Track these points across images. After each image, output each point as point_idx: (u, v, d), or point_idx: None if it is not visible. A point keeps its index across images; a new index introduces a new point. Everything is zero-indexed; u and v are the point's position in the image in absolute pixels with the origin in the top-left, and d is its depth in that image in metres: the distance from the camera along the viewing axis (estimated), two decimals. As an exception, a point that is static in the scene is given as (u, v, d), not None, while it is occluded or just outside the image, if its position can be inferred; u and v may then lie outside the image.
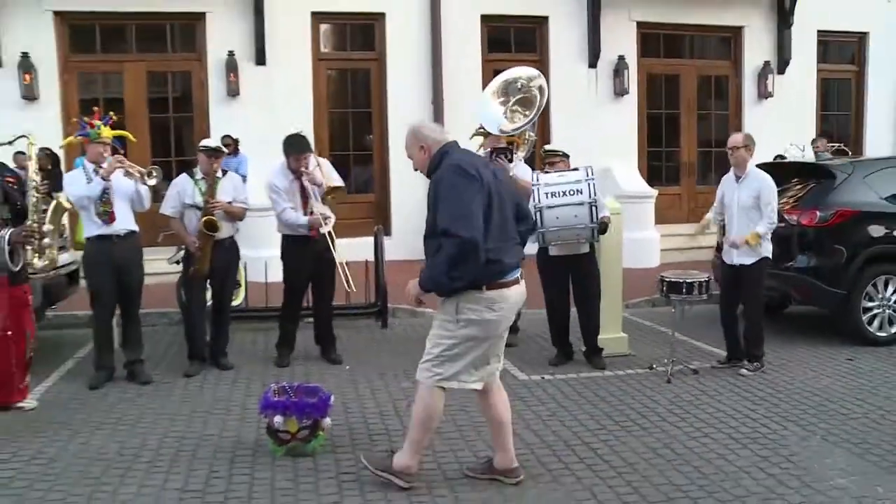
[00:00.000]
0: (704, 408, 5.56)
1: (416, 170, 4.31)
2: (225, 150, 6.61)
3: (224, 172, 6.65)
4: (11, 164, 9.84)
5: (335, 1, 12.17)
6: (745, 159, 6.42)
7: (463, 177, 3.95)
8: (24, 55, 11.20)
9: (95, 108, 6.42)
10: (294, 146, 6.65)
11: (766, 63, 13.64)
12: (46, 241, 5.41)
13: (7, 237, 5.08)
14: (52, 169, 10.05)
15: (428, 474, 4.42)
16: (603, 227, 6.41)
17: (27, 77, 11.24)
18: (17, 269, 5.25)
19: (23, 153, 10.49)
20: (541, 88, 6.90)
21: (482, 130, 7.55)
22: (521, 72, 7.47)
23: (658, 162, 13.63)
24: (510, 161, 7.13)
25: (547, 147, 7.00)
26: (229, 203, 6.55)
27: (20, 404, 5.62)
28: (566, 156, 6.85)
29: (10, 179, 5.46)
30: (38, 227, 5.32)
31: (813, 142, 11.93)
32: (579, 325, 6.76)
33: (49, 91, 11.44)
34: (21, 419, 5.41)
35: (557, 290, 6.70)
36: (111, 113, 6.43)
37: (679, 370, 6.35)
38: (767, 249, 6.40)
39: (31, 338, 5.64)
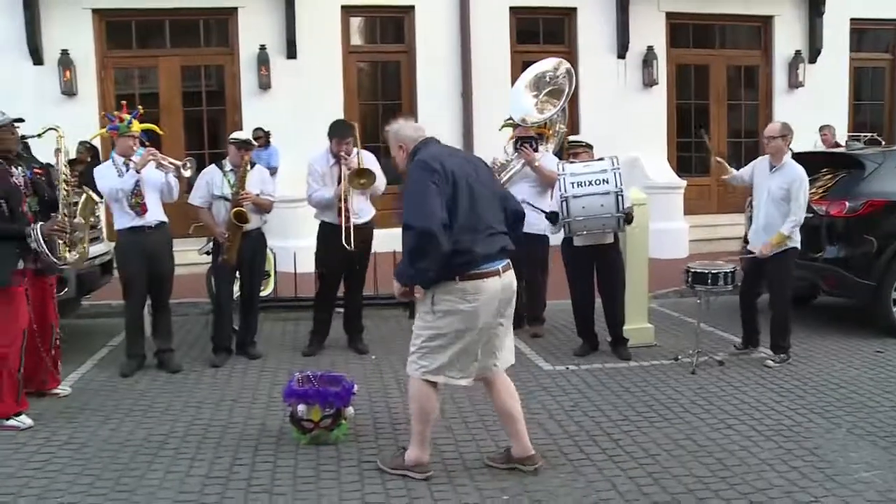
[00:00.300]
0: (728, 399, 5.54)
1: (397, 170, 4.43)
2: (255, 142, 6.69)
3: (252, 165, 6.72)
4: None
5: (365, -6, 12.26)
6: (782, 149, 6.35)
7: (423, 170, 4.05)
8: (64, 52, 11.45)
9: (123, 102, 6.55)
10: (337, 130, 6.73)
11: (797, 52, 13.47)
12: (77, 234, 5.49)
13: (39, 229, 5.18)
14: (91, 161, 10.28)
15: (449, 464, 4.47)
16: (629, 217, 6.40)
17: (67, 73, 11.48)
18: (59, 261, 5.35)
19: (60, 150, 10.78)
20: (568, 72, 6.92)
21: (511, 121, 7.59)
22: (546, 65, 7.51)
23: (687, 153, 13.54)
24: (535, 150, 7.17)
25: (571, 138, 6.99)
26: (257, 195, 6.63)
27: (55, 391, 5.77)
28: (590, 147, 6.83)
29: (38, 171, 5.54)
30: (69, 221, 5.41)
31: (820, 130, 11.76)
32: (604, 315, 6.76)
33: (87, 87, 11.68)
34: (55, 405, 5.56)
35: (582, 280, 6.70)
36: (139, 107, 6.54)
37: (704, 361, 6.32)
38: (796, 240, 6.34)
39: (56, 327, 5.75)
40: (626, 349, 6.68)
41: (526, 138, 7.20)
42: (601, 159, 6.45)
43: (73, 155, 9.82)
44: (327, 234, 6.83)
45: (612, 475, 4.30)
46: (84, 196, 5.58)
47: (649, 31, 12.75)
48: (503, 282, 4.18)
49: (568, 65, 7.16)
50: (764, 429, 4.96)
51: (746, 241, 6.73)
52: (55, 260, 5.29)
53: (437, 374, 4.18)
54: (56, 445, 4.80)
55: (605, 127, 11.75)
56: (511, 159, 7.28)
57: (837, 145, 11.00)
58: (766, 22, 13.54)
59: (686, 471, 4.34)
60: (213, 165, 6.75)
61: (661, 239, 10.74)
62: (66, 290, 6.43)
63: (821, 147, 11.44)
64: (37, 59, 11.48)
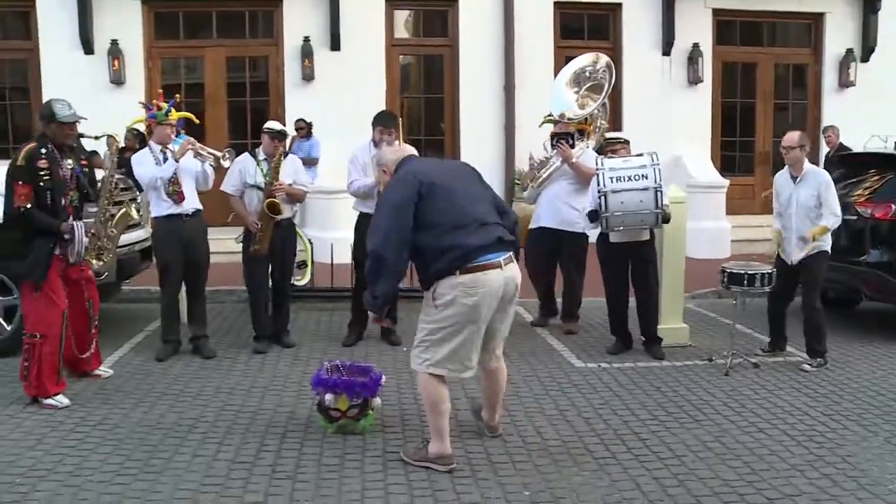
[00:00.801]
0: (761, 402, 5.45)
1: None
2: (288, 132, 6.73)
3: (285, 154, 6.76)
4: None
5: (409, -12, 12.29)
6: (801, 159, 6.30)
7: (390, 191, 4.24)
8: (114, 42, 11.70)
9: (160, 91, 6.64)
10: (381, 119, 6.76)
11: (849, 51, 13.15)
12: (107, 244, 5.58)
13: (82, 228, 5.33)
14: (139, 148, 10.45)
15: (473, 457, 4.47)
16: (665, 216, 6.34)
17: (115, 63, 11.73)
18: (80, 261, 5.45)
19: (113, 136, 10.99)
20: (608, 66, 6.86)
21: (551, 118, 7.55)
22: (585, 60, 7.47)
23: (732, 152, 13.34)
24: (572, 147, 7.12)
25: (608, 134, 6.93)
26: (290, 185, 6.67)
27: (97, 371, 5.90)
28: (627, 142, 6.77)
29: (84, 161, 5.64)
30: (104, 230, 5.52)
31: (824, 131, 11.47)
32: (637, 313, 6.71)
33: (135, 76, 11.91)
34: (92, 387, 5.68)
35: (617, 277, 6.64)
36: (177, 95, 6.64)
37: (738, 363, 6.23)
38: (827, 243, 6.25)
39: (95, 308, 5.85)
40: (659, 348, 6.61)
41: (562, 134, 7.15)
42: (640, 155, 6.39)
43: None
44: (365, 224, 6.83)
45: (637, 475, 4.26)
46: (122, 210, 5.64)
47: (695, 28, 12.58)
48: (505, 275, 4.21)
49: (607, 59, 7.10)
50: (796, 434, 4.87)
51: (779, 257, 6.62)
52: (78, 260, 5.40)
53: (438, 366, 4.23)
54: (90, 425, 4.91)
55: (648, 124, 11.66)
56: (550, 156, 7.24)
57: (842, 147, 10.72)
58: (817, 19, 13.26)
59: (713, 473, 4.28)
60: (245, 154, 6.78)
61: (703, 238, 10.64)
62: (107, 274, 6.54)
63: (825, 149, 11.22)
64: (88, 48, 11.75)
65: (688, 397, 5.56)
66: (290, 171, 6.75)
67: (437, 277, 4.14)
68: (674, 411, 5.27)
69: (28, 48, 12.02)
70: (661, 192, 6.13)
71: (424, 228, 4.12)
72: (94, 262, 5.49)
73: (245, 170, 6.66)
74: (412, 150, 4.73)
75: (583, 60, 7.47)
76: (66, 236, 5.29)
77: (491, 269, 4.14)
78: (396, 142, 6.72)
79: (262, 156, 6.68)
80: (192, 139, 6.47)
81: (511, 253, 4.31)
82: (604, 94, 7.26)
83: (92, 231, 5.41)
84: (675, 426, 4.99)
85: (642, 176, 6.15)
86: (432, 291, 4.18)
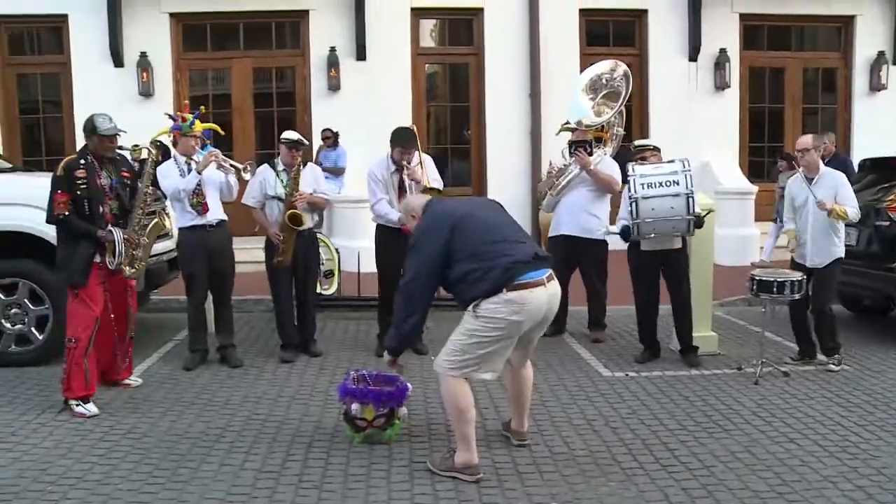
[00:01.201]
0: (792, 412, 5.37)
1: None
2: (305, 142, 6.74)
3: (304, 163, 6.77)
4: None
5: (434, -3, 12.32)
6: (816, 161, 6.28)
7: (421, 232, 4.34)
8: (143, 55, 11.87)
9: (185, 102, 6.70)
10: (401, 139, 6.71)
11: (881, 54, 12.93)
12: (139, 253, 5.65)
13: (120, 234, 5.43)
14: (162, 160, 10.57)
15: (500, 467, 4.45)
16: (699, 221, 6.30)
17: (144, 75, 11.89)
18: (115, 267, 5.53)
19: (137, 146, 11.15)
20: (625, 75, 6.83)
21: (569, 126, 7.53)
22: (602, 67, 7.44)
23: (760, 157, 13.20)
24: (590, 154, 7.10)
25: (638, 141, 6.89)
26: (311, 194, 6.68)
27: (127, 381, 5.97)
28: (657, 149, 6.73)
29: (126, 175, 5.73)
30: (137, 239, 5.60)
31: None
32: (674, 322, 6.65)
33: (163, 88, 12.06)
34: (121, 395, 5.74)
35: (648, 286, 6.59)
36: (202, 107, 6.70)
37: (768, 372, 6.16)
38: (840, 251, 6.24)
39: (132, 315, 5.93)
40: (695, 356, 6.56)
41: (580, 142, 7.13)
42: (671, 161, 6.34)
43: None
44: (384, 237, 6.87)
45: (665, 485, 4.21)
46: (155, 220, 5.72)
47: (722, 33, 12.47)
48: (549, 292, 4.29)
49: (625, 67, 7.06)
50: (828, 444, 4.79)
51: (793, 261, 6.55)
52: (112, 267, 5.47)
53: (461, 369, 4.26)
54: (119, 434, 4.96)
55: (674, 131, 11.58)
56: (569, 164, 7.22)
57: (837, 155, 10.54)
58: (847, 22, 13.08)
59: (742, 484, 4.22)
60: (265, 165, 6.81)
61: (731, 245, 10.56)
62: (136, 283, 6.61)
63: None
64: (117, 61, 11.92)
65: (717, 406, 5.49)
66: (310, 179, 6.76)
67: (484, 297, 4.16)
68: (702, 421, 5.21)
69: (61, 62, 12.23)
70: (693, 198, 6.08)
71: (463, 259, 4.19)
72: (126, 269, 5.56)
73: (265, 181, 6.68)
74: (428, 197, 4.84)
75: (600, 67, 7.45)
76: (106, 243, 5.41)
77: (536, 286, 4.19)
78: (416, 155, 6.73)
79: (280, 167, 6.68)
80: (215, 151, 6.51)
81: (551, 270, 4.36)
82: (620, 101, 7.22)
83: (126, 237, 5.48)
84: (704, 436, 4.94)
85: (673, 182, 6.12)
86: (474, 306, 4.20)
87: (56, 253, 5.56)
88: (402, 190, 6.72)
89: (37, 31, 12.59)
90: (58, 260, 5.53)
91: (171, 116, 6.72)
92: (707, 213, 6.43)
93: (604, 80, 7.19)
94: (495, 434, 4.94)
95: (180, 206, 6.36)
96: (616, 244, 6.91)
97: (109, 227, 5.46)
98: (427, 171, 6.80)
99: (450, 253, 4.20)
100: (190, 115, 6.45)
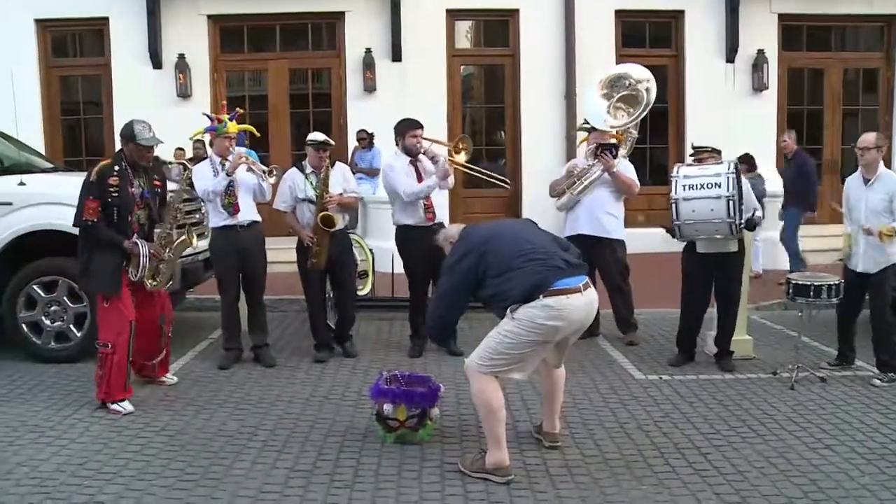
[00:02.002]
0: (828, 418, 5.29)
1: None
2: (332, 142, 6.76)
3: (332, 163, 6.76)
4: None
5: (470, -2, 12.33)
6: (877, 160, 6.13)
7: (454, 254, 4.43)
8: (181, 56, 12.03)
9: (223, 103, 6.77)
10: (405, 122, 6.86)
11: (925, 53, 12.74)
12: (163, 267, 5.69)
13: (147, 250, 5.49)
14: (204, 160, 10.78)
15: (531, 469, 4.44)
16: (750, 223, 6.26)
17: (182, 77, 12.06)
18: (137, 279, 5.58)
19: (182, 149, 11.33)
20: (648, 90, 6.77)
21: (586, 126, 7.49)
22: (633, 70, 7.37)
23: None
24: (615, 157, 7.07)
25: (695, 144, 6.80)
26: (341, 195, 6.70)
27: (163, 378, 6.05)
28: (716, 152, 6.55)
29: (158, 183, 5.78)
30: (163, 253, 5.64)
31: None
32: (717, 325, 6.58)
33: (200, 89, 12.21)
34: (157, 393, 5.83)
35: (698, 289, 6.50)
36: (238, 108, 6.76)
37: (804, 377, 6.07)
38: (895, 256, 6.07)
39: (168, 317, 6.00)
40: (730, 361, 6.48)
41: (605, 145, 7.11)
42: (720, 163, 6.26)
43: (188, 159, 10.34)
44: (408, 237, 6.89)
45: (698, 490, 4.18)
46: (182, 238, 5.74)
47: (760, 34, 12.31)
48: (585, 299, 4.29)
49: (653, 84, 7.01)
50: (866, 451, 4.71)
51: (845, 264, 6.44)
52: (134, 278, 5.53)
53: (493, 367, 4.28)
54: (154, 431, 5.03)
55: (711, 133, 11.38)
56: (591, 165, 7.18)
57: (799, 153, 10.33)
58: (890, 22, 12.83)
59: (776, 490, 4.17)
60: (293, 169, 6.80)
61: (768, 249, 10.42)
62: (172, 283, 6.69)
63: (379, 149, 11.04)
64: (156, 63, 12.10)
65: (751, 411, 5.43)
66: (340, 179, 6.74)
67: (523, 302, 4.19)
68: (736, 425, 5.15)
69: (102, 63, 12.47)
70: (734, 200, 5.97)
71: (496, 275, 4.22)
72: (148, 282, 5.59)
73: (294, 185, 6.67)
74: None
75: (627, 68, 7.38)
76: (131, 255, 5.47)
77: (573, 293, 4.20)
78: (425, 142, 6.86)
79: (308, 169, 6.68)
80: (242, 152, 6.55)
81: (587, 278, 4.37)
82: (641, 110, 7.15)
83: (152, 251, 5.53)
84: (738, 441, 4.88)
85: (715, 184, 6.03)
86: (511, 310, 4.22)
87: (77, 256, 5.54)
88: (419, 179, 6.77)
89: (79, 33, 12.82)
90: (80, 264, 5.52)
91: (208, 116, 6.80)
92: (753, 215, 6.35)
93: (626, 82, 7.13)
94: (527, 436, 4.93)
95: (213, 206, 6.44)
96: (649, 247, 6.86)
97: (136, 237, 5.49)
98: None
99: (485, 272, 4.25)
100: (226, 116, 6.51)
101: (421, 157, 6.84)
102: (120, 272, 5.45)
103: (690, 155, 6.77)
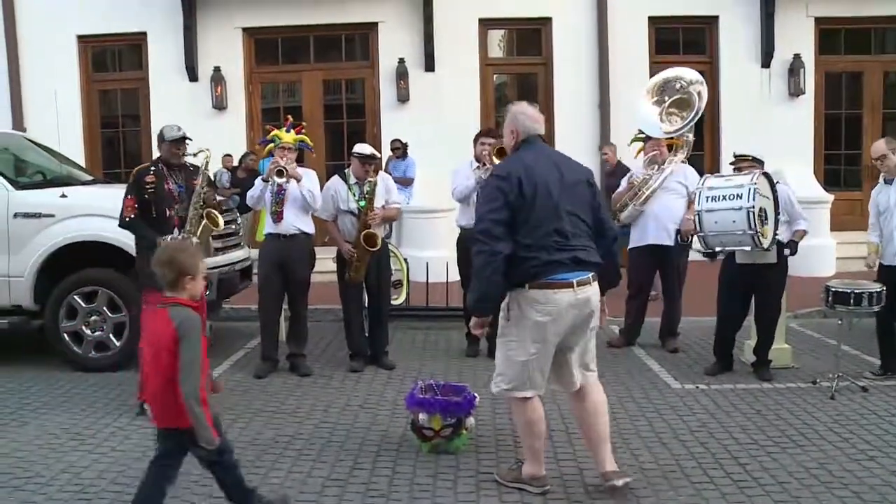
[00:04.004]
0: (871, 429, 5.19)
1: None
2: (378, 155, 6.80)
3: (376, 172, 6.78)
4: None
5: (503, 7, 12.33)
6: (894, 164, 6.12)
7: (494, 179, 4.13)
8: (216, 69, 12.20)
9: (289, 117, 6.89)
10: (480, 131, 7.04)
11: (967, 56, 12.49)
12: None
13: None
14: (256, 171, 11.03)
15: (567, 479, 4.42)
16: (793, 247, 6.24)
17: (218, 89, 12.23)
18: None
19: (230, 155, 11.49)
20: (700, 94, 6.71)
21: (641, 136, 7.45)
22: (682, 72, 7.31)
23: (836, 165, 12.84)
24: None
25: (736, 152, 6.75)
26: (383, 207, 6.73)
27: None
28: (758, 161, 6.48)
29: (195, 183, 5.87)
30: (189, 240, 5.68)
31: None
32: (756, 335, 6.51)
33: (236, 101, 12.39)
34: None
35: (735, 298, 6.44)
36: (299, 122, 6.81)
37: (845, 386, 5.97)
38: None
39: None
40: (767, 370, 6.40)
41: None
42: (746, 173, 6.21)
43: (214, 173, 10.54)
44: (461, 238, 6.99)
45: (736, 501, 4.12)
46: (205, 223, 5.78)
47: (796, 38, 12.15)
48: (577, 297, 4.02)
49: (704, 87, 6.96)
50: (910, 463, 4.62)
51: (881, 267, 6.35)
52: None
53: (514, 390, 4.15)
54: (192, 440, 5.07)
55: (747, 139, 11.24)
56: (650, 175, 7.15)
57: (619, 164, 10.07)
58: (932, 23, 12.61)
59: (817, 502, 4.10)
60: (336, 177, 6.81)
61: (805, 256, 10.17)
62: (208, 293, 6.76)
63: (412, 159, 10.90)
64: (192, 76, 12.29)
65: (790, 421, 5.35)
66: (382, 191, 6.76)
67: (510, 287, 4.04)
68: (775, 435, 5.08)
69: (140, 77, 12.70)
70: (754, 213, 5.89)
71: (518, 227, 4.02)
72: None
73: (337, 195, 6.71)
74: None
75: (677, 71, 7.33)
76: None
77: (562, 288, 3.98)
78: None
79: (352, 179, 6.71)
80: (276, 160, 6.60)
81: (590, 274, 4.08)
82: (694, 114, 7.10)
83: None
84: (777, 451, 4.81)
85: (737, 196, 5.97)
86: (505, 304, 4.12)
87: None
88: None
89: (118, 49, 13.07)
90: (136, 266, 5.79)
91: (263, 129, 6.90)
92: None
93: (678, 85, 7.07)
94: (562, 445, 4.91)
95: (267, 213, 6.59)
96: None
97: (176, 231, 5.65)
98: None
99: (516, 204, 4.00)
100: (282, 129, 6.59)
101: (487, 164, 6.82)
102: None
103: (731, 163, 6.73)
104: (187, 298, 3.56)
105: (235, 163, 11.87)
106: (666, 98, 6.84)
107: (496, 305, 4.14)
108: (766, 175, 6.09)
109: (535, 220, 3.99)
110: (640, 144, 7.49)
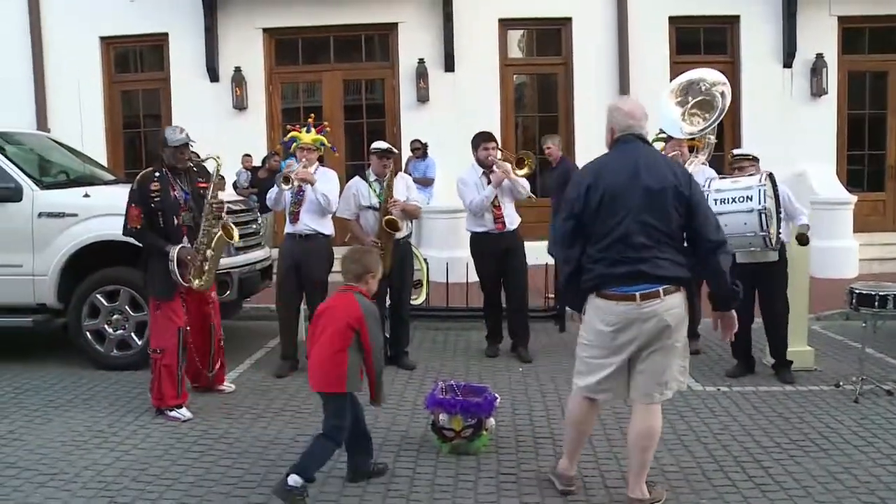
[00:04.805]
0: (896, 432, 5.15)
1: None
2: (395, 150, 6.85)
3: (395, 172, 6.84)
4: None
5: (522, 7, 12.32)
6: None
7: (572, 185, 4.08)
8: (237, 70, 12.27)
9: (311, 116, 6.92)
10: (478, 136, 7.06)
11: None
12: (206, 265, 5.70)
13: (177, 252, 5.53)
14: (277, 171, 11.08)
15: (588, 481, 4.40)
16: (802, 239, 6.18)
17: (238, 90, 12.29)
18: (186, 283, 5.61)
19: (249, 155, 11.55)
20: (723, 94, 6.65)
21: (662, 135, 7.41)
22: (706, 74, 7.25)
23: (860, 166, 12.71)
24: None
25: (735, 151, 6.73)
26: (404, 201, 6.75)
27: (221, 387, 6.15)
28: (756, 160, 6.54)
29: (203, 185, 5.86)
30: (203, 252, 5.68)
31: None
32: (767, 337, 6.48)
33: (256, 101, 12.45)
34: (215, 401, 5.91)
35: (743, 299, 6.40)
36: (321, 122, 6.83)
37: (869, 389, 5.91)
38: None
39: (217, 328, 6.08)
40: (789, 373, 6.36)
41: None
42: (752, 175, 6.18)
43: (230, 181, 10.67)
44: (477, 243, 7.11)
45: (759, 505, 4.10)
46: (219, 234, 5.75)
47: (819, 38, 12.06)
48: (642, 310, 3.84)
49: (728, 88, 6.89)
50: (938, 468, 4.56)
51: None
52: (181, 281, 5.58)
53: (575, 382, 4.15)
54: (212, 438, 5.11)
55: (769, 140, 11.26)
56: None
57: (563, 158, 9.93)
58: (958, 20, 12.45)
59: (842, 507, 4.08)
60: (356, 178, 6.91)
61: (828, 257, 10.20)
62: (229, 292, 6.81)
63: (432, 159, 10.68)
64: (213, 76, 12.36)
65: (813, 424, 5.30)
66: (402, 188, 6.83)
67: (585, 291, 4.04)
68: (798, 439, 5.03)
69: (161, 78, 12.78)
70: (766, 214, 5.85)
71: (590, 232, 3.97)
72: (194, 280, 5.65)
73: (359, 193, 6.78)
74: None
75: (701, 73, 7.27)
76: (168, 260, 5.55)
77: (623, 300, 3.85)
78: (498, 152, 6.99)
79: (372, 177, 6.79)
80: (291, 163, 6.62)
81: (660, 287, 3.85)
82: (717, 115, 7.04)
83: (189, 255, 5.57)
84: (800, 454, 4.77)
85: (747, 198, 5.93)
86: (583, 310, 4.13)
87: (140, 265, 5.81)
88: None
89: (140, 49, 13.17)
90: (142, 272, 5.77)
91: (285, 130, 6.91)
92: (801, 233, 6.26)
93: (701, 87, 7.02)
94: (586, 449, 4.88)
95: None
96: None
97: (185, 240, 5.62)
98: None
99: (583, 213, 3.95)
100: (302, 130, 6.62)
101: (495, 168, 6.91)
102: (170, 278, 5.55)
103: (730, 163, 6.70)
104: (366, 290, 4.27)
105: (256, 163, 11.93)
106: (690, 99, 6.77)
107: (576, 307, 4.17)
108: (770, 175, 6.06)
109: (601, 229, 3.90)
110: (662, 144, 7.44)
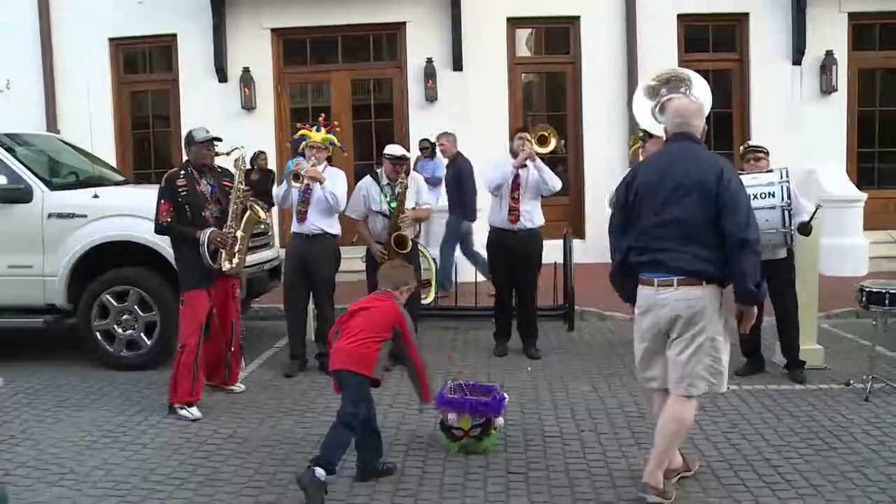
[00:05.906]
0: (907, 431, 5.12)
1: None
2: (409, 156, 6.85)
3: (407, 173, 6.82)
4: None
5: (531, 6, 12.27)
6: None
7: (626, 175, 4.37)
8: (245, 70, 12.27)
9: (322, 115, 6.94)
10: (518, 129, 7.21)
11: None
12: (238, 246, 5.80)
13: (207, 235, 5.61)
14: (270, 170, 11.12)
15: (596, 480, 4.41)
16: (805, 229, 6.12)
17: (247, 90, 12.29)
18: (217, 266, 5.70)
19: (263, 152, 11.58)
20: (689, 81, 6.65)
21: (642, 134, 7.35)
22: (681, 72, 7.20)
23: (871, 163, 12.61)
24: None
25: (749, 143, 6.68)
26: (414, 209, 6.76)
27: (231, 387, 6.17)
28: (768, 153, 6.52)
29: (228, 185, 5.94)
30: (233, 233, 5.76)
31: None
32: (778, 336, 6.45)
33: (265, 101, 12.45)
34: (224, 401, 5.93)
35: None
36: (331, 121, 6.84)
37: (880, 388, 5.87)
38: None
39: (237, 325, 6.13)
40: (801, 372, 6.32)
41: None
42: (771, 171, 6.15)
43: (248, 166, 10.61)
44: (493, 239, 7.11)
45: (769, 504, 4.09)
46: (248, 213, 5.87)
47: (828, 35, 11.93)
48: (658, 296, 4.02)
49: (687, 74, 6.86)
50: (949, 467, 4.54)
51: None
52: (212, 265, 5.67)
53: (638, 381, 4.42)
54: (222, 437, 5.13)
55: (778, 137, 11.16)
56: None
57: (459, 155, 9.86)
58: (969, 16, 12.33)
59: (853, 505, 4.06)
60: (368, 178, 6.87)
61: (837, 255, 10.13)
62: (238, 292, 6.82)
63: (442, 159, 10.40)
64: (222, 77, 12.37)
65: (823, 423, 5.28)
66: (413, 191, 6.81)
67: (633, 281, 4.25)
68: (808, 437, 5.02)
69: (170, 79, 12.80)
70: (789, 210, 5.84)
71: (632, 226, 4.23)
72: (225, 263, 5.72)
73: (369, 195, 6.76)
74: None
75: (690, 74, 7.24)
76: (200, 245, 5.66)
77: (646, 285, 4.11)
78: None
79: (384, 180, 6.77)
80: (301, 160, 6.61)
81: (674, 277, 3.97)
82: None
83: (220, 237, 5.67)
84: (810, 453, 4.75)
85: (769, 194, 5.89)
86: None
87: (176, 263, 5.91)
88: (516, 185, 6.98)
89: (148, 50, 13.20)
90: (178, 266, 5.87)
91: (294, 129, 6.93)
92: (815, 211, 6.21)
93: (682, 89, 6.97)
94: (592, 444, 4.89)
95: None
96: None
97: (202, 230, 5.69)
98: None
99: (625, 206, 4.25)
100: (312, 128, 6.64)
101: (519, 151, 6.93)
102: (197, 267, 5.64)
103: (741, 155, 6.65)
104: (402, 298, 4.62)
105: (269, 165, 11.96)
106: (663, 91, 6.71)
107: (625, 296, 4.36)
108: (786, 170, 6.04)
109: (636, 222, 4.17)
110: (639, 143, 7.36)
